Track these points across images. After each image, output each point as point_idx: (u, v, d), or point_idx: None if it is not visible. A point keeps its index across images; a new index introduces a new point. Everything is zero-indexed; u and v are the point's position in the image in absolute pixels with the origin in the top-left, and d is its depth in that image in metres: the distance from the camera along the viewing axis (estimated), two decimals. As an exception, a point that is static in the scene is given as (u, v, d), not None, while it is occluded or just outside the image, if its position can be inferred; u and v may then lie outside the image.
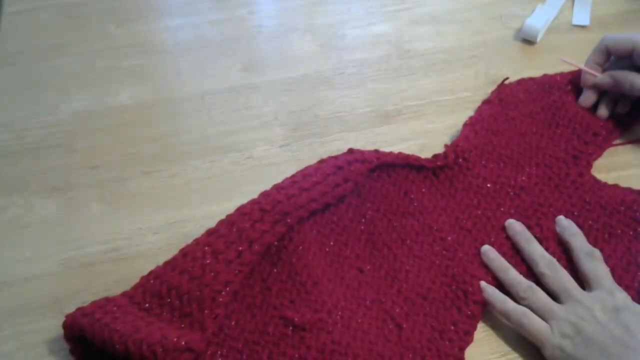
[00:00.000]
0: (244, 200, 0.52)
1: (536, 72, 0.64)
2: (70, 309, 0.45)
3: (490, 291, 0.46)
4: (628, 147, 0.58)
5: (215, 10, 0.75)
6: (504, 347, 0.45)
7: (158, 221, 0.52)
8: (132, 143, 0.59)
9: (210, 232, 0.46)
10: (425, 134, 0.60)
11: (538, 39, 0.69)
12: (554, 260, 0.47)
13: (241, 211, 0.47)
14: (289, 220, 0.46)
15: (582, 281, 0.46)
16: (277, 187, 0.49)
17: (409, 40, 0.71)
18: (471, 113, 0.61)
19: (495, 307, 0.46)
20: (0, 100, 0.63)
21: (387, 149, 0.54)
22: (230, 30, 0.72)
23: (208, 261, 0.43)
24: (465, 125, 0.58)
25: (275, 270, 0.47)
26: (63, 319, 0.44)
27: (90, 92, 0.64)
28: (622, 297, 0.44)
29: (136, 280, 0.46)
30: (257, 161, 0.57)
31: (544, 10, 0.72)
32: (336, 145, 0.59)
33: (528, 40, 0.70)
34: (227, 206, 0.52)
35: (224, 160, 0.57)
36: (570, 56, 0.62)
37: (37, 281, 0.48)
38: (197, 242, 0.46)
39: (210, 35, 0.71)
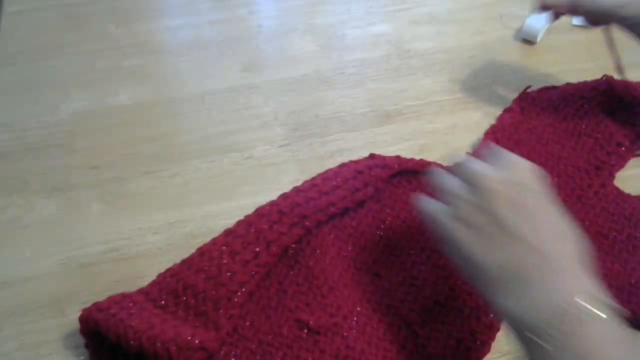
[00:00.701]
0: (244, 200, 0.52)
1: (536, 72, 0.64)
2: (71, 309, 0.46)
3: (435, 170, 0.42)
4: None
5: (215, 10, 0.75)
6: (504, 347, 0.45)
7: (158, 221, 0.52)
8: (132, 143, 0.59)
9: (227, 232, 0.46)
10: (425, 134, 0.60)
11: (538, 39, 0.69)
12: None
13: (259, 212, 0.47)
14: (307, 224, 0.47)
15: None
16: (296, 190, 0.49)
17: (409, 40, 0.71)
18: (471, 113, 0.61)
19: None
20: (0, 100, 0.63)
21: (387, 149, 0.54)
22: (230, 30, 0.72)
23: (225, 261, 0.43)
24: (486, 133, 0.58)
25: (292, 273, 0.47)
26: (63, 319, 0.44)
27: (90, 92, 0.64)
28: (525, 173, 0.39)
29: (136, 280, 0.46)
30: (257, 161, 0.57)
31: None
32: (336, 145, 0.59)
33: (528, 40, 0.70)
34: (227, 206, 0.53)
35: (224, 160, 0.57)
36: (570, 56, 0.62)
37: (37, 281, 0.48)
38: (214, 241, 0.46)
39: (210, 35, 0.71)
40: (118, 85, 0.64)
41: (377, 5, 0.76)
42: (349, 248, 0.49)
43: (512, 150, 0.55)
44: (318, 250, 0.48)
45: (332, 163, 0.54)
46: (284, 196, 0.48)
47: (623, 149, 0.56)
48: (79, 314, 0.42)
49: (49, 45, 0.69)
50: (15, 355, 0.44)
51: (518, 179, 0.38)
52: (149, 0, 0.77)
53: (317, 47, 0.70)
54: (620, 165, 0.56)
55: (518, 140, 0.57)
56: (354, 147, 0.58)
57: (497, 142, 0.56)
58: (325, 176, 0.50)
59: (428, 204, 0.41)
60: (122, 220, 0.52)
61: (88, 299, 0.44)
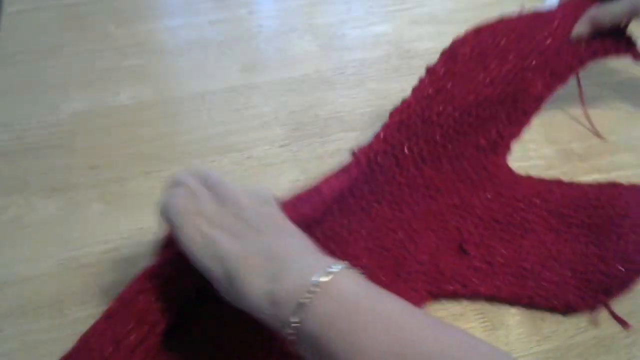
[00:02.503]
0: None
1: (536, 72, 0.64)
2: (70, 309, 0.46)
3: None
4: (628, 147, 0.58)
5: (215, 10, 0.75)
6: (504, 347, 0.45)
7: (158, 221, 0.52)
8: (132, 143, 0.59)
9: (108, 315, 0.40)
10: (425, 134, 0.60)
11: (538, 39, 0.69)
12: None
13: (137, 289, 0.41)
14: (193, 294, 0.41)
15: None
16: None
17: (409, 40, 0.71)
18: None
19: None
20: (0, 100, 0.63)
21: (387, 149, 0.54)
22: (230, 30, 0.72)
23: (108, 351, 0.38)
24: (398, 108, 0.51)
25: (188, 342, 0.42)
26: (63, 319, 0.43)
27: (90, 92, 0.64)
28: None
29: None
30: (257, 161, 0.57)
31: (544, 10, 0.72)
32: (336, 145, 0.59)
33: (528, 40, 0.69)
34: (227, 206, 0.52)
35: (224, 160, 0.57)
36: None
37: (37, 281, 0.48)
38: (94, 328, 0.39)
39: (210, 35, 0.71)
40: (118, 85, 0.64)
41: (377, 5, 0.76)
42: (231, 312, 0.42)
43: (417, 132, 0.50)
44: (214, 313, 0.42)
45: (332, 163, 0.54)
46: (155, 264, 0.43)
47: (508, 133, 0.53)
48: (79, 314, 0.42)
49: (49, 45, 0.69)
50: (15, 355, 0.44)
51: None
52: (149, 0, 0.77)
53: (317, 47, 0.70)
54: (517, 132, 0.53)
55: (427, 119, 0.51)
56: (354, 147, 0.58)
57: (406, 119, 0.51)
58: None
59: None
60: (122, 220, 0.52)
61: (88, 299, 0.44)
